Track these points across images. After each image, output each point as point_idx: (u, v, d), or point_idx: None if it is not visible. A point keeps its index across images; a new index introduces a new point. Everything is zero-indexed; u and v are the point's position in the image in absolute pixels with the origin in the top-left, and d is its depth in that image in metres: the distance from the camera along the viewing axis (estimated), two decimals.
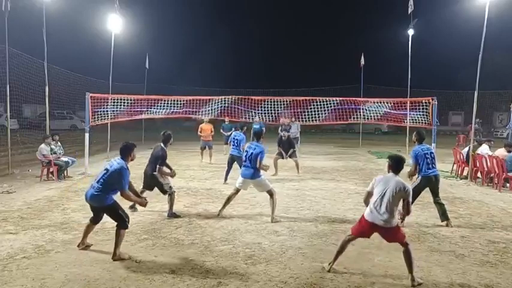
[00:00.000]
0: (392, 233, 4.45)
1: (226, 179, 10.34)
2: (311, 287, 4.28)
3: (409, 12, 16.45)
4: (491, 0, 11.02)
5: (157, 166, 6.86)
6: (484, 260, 5.15)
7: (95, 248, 5.28)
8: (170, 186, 7.02)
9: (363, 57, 22.95)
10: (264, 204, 7.61)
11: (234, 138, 10.56)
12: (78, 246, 5.22)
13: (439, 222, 6.71)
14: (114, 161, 5.10)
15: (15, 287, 4.15)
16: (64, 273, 4.50)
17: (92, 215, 5.27)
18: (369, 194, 4.54)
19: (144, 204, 5.29)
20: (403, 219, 4.53)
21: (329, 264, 4.62)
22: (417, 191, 6.48)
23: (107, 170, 5.00)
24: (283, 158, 12.02)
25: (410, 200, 4.52)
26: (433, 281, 4.41)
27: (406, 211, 4.53)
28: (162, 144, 7.02)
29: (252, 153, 6.82)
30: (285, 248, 5.45)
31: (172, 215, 6.92)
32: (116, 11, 15.06)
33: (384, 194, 4.37)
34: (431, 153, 6.68)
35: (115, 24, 15.25)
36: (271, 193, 6.86)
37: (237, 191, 7.08)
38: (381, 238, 5.93)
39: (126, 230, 6.04)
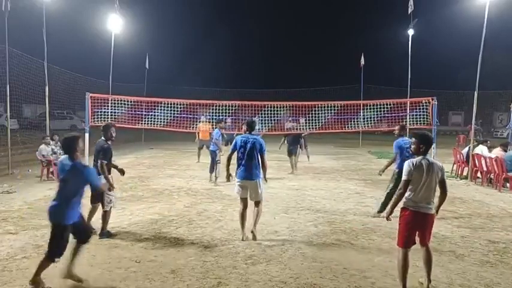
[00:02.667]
0: (432, 222, 4.29)
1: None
2: (311, 287, 4.28)
3: (409, 12, 16.48)
4: (491, 0, 11.03)
5: (99, 161, 5.63)
6: (484, 260, 5.15)
7: (95, 249, 5.27)
8: (111, 199, 5.76)
9: (362, 57, 22.99)
10: (265, 203, 7.55)
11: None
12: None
13: (438, 222, 6.69)
14: (66, 164, 4.19)
15: (15, 287, 4.15)
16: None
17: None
18: (407, 183, 4.21)
19: (108, 188, 5.09)
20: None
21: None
22: (396, 184, 6.50)
23: (64, 180, 4.17)
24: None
25: (445, 178, 4.39)
26: (433, 281, 4.41)
27: (444, 193, 4.34)
28: (102, 138, 5.95)
29: (251, 147, 5.69)
30: (285, 248, 5.44)
31: (106, 234, 5.76)
32: (116, 11, 15.09)
33: (426, 178, 4.16)
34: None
35: (115, 24, 15.28)
36: (259, 203, 5.87)
37: (245, 202, 5.86)
38: (383, 237, 5.95)
39: (126, 230, 6.09)
